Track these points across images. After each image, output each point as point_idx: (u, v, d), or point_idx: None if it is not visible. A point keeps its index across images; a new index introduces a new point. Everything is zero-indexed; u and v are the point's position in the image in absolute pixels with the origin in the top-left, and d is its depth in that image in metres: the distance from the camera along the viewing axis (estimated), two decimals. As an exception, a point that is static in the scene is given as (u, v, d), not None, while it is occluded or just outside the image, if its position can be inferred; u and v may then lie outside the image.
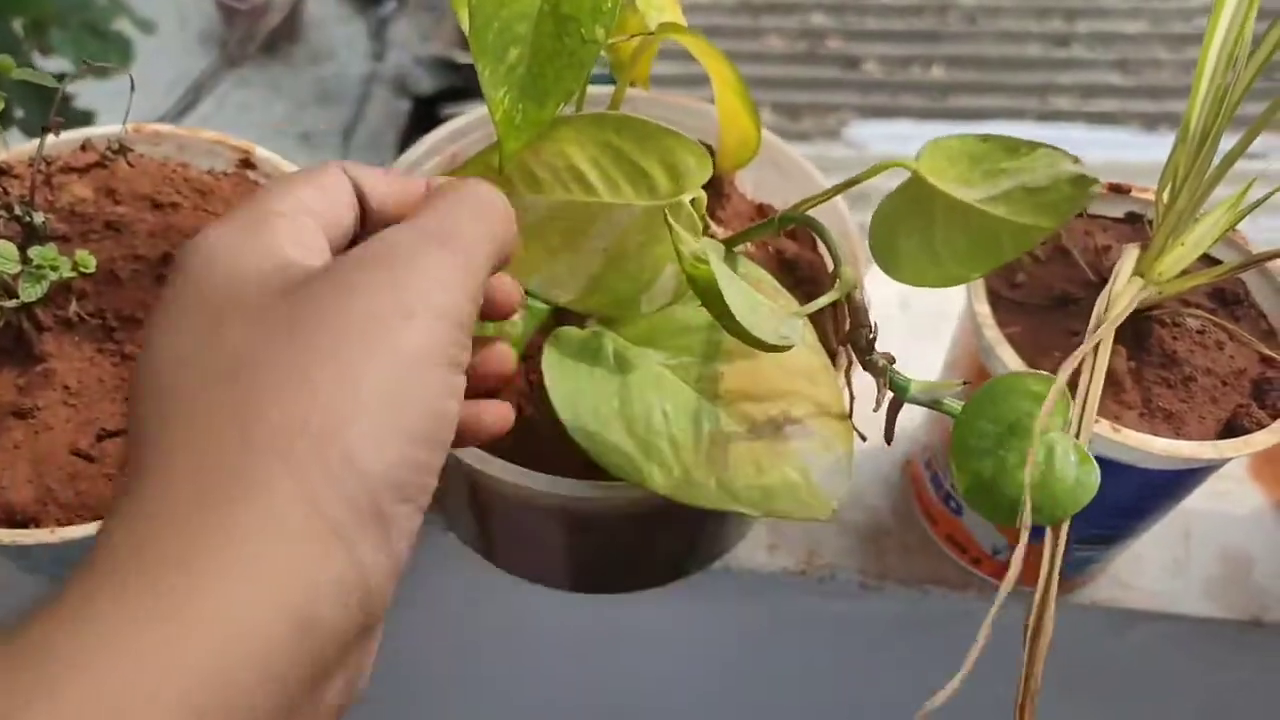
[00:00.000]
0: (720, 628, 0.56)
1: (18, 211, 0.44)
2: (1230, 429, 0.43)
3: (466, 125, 0.51)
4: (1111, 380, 0.43)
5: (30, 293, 0.41)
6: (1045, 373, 0.32)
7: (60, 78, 0.47)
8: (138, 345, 0.47)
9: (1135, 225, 0.48)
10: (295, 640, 0.24)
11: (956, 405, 0.35)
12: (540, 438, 0.44)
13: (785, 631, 0.55)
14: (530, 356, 0.45)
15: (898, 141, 2.73)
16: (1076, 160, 0.32)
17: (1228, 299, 0.46)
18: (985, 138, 0.33)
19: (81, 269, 0.43)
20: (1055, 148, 0.32)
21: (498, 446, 0.44)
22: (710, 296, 0.35)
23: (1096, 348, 0.34)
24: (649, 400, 0.40)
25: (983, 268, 0.35)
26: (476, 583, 0.54)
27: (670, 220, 0.35)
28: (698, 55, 0.47)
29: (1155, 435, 0.42)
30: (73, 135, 0.53)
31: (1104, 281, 0.45)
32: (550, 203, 0.38)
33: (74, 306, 0.47)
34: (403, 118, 4.15)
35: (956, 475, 0.33)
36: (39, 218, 0.44)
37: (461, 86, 4.32)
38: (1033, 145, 0.32)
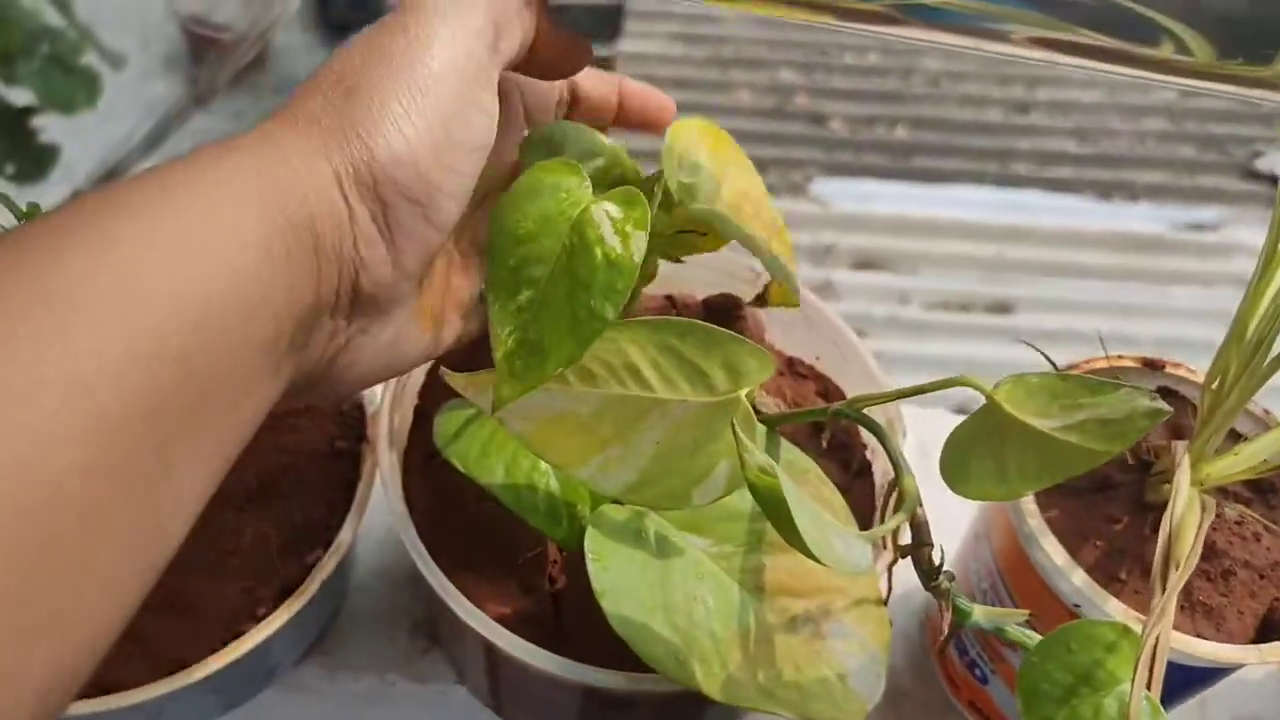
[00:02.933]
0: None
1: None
2: (1267, 623, 0.43)
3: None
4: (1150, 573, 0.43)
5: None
6: (1118, 621, 0.32)
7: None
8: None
9: (1168, 398, 0.48)
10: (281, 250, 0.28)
11: (1023, 634, 0.34)
12: (572, 607, 0.43)
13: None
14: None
15: (861, 199, 2.76)
16: (1154, 396, 0.32)
17: (1264, 488, 0.46)
18: (1066, 376, 0.33)
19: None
20: (1135, 387, 0.32)
21: (524, 617, 0.43)
22: (775, 508, 0.34)
23: (1167, 578, 0.33)
24: (691, 590, 0.39)
25: (1047, 484, 0.35)
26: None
27: (737, 431, 0.34)
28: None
29: (1196, 631, 0.41)
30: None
31: (1142, 464, 0.46)
32: (603, 395, 0.37)
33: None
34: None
35: (1025, 717, 0.33)
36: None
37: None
38: (1115, 385, 0.32)
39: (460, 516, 0.44)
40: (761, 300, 0.51)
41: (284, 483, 0.46)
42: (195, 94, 2.97)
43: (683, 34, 4.36)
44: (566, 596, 0.43)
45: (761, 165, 0.45)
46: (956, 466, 0.35)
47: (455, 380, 0.38)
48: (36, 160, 1.51)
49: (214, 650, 0.42)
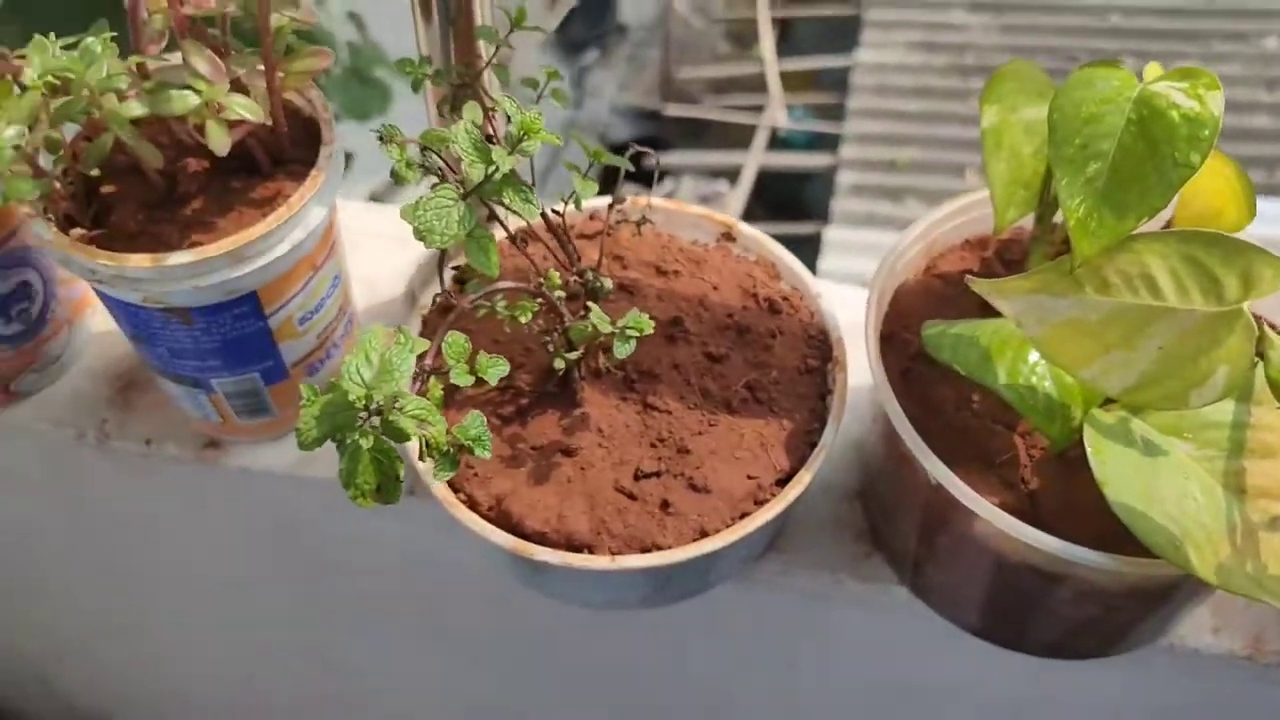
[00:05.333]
0: (1152, 705, 0.58)
1: (589, 278, 0.50)
2: None
3: (943, 216, 0.56)
4: None
5: (622, 351, 0.47)
6: None
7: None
8: (657, 396, 0.52)
9: None
10: None
11: None
12: (1048, 506, 0.48)
13: (1221, 716, 0.57)
14: (1027, 434, 0.49)
15: None
16: None
17: None
18: None
19: (644, 330, 0.49)
20: None
21: (1007, 510, 0.47)
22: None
23: None
24: (1180, 487, 0.44)
25: None
26: (895, 624, 0.58)
27: (1266, 332, 0.39)
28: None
29: None
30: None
31: None
32: (1114, 304, 0.42)
33: (602, 360, 0.53)
34: (599, 165, 4.28)
35: None
36: (607, 283, 0.50)
37: (657, 136, 4.41)
38: None
39: (938, 424, 0.50)
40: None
41: (769, 392, 0.53)
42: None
43: (922, 42, 4.32)
44: (1041, 496, 0.48)
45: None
46: None
47: (981, 286, 0.43)
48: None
49: (727, 525, 0.49)
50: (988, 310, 0.50)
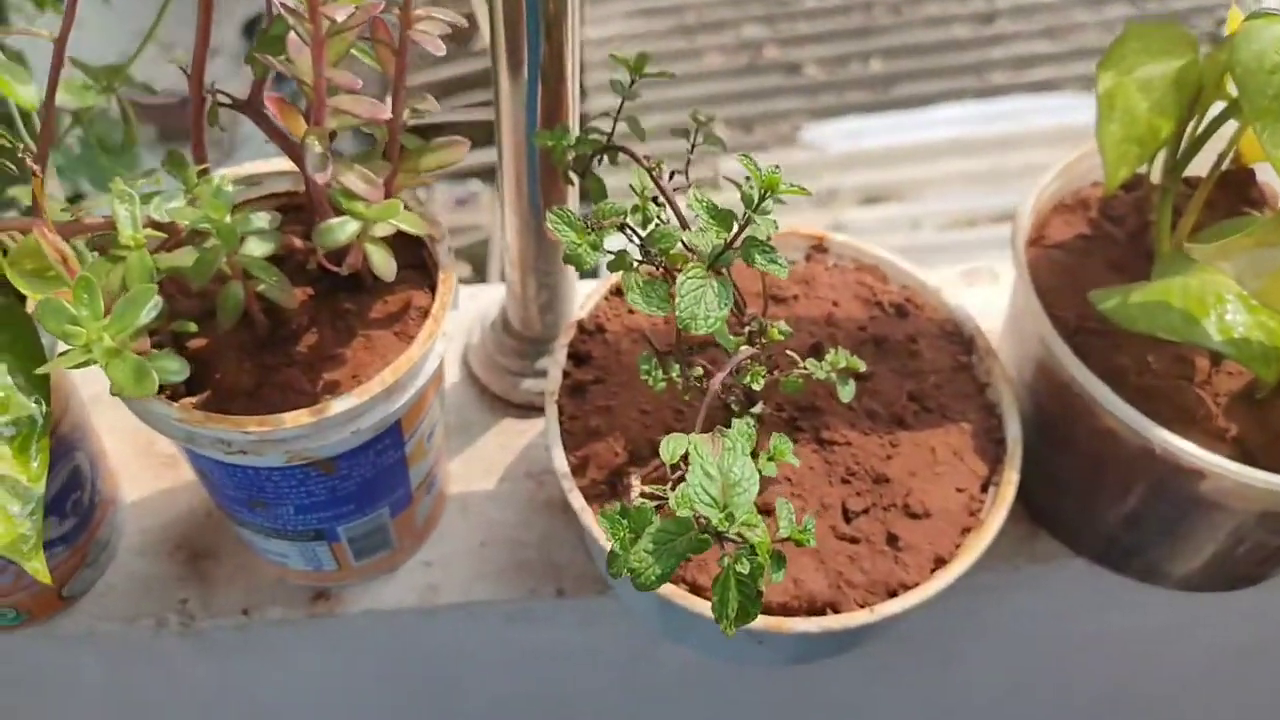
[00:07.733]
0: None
1: (757, 325, 0.47)
2: None
3: (1044, 185, 0.55)
4: None
5: (846, 394, 0.44)
6: None
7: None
8: (827, 430, 0.50)
9: None
10: None
11: None
12: (1251, 450, 0.48)
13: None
14: (1205, 384, 0.50)
15: (852, 138, 2.81)
16: None
17: None
18: None
19: (858, 369, 0.46)
20: None
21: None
22: None
23: None
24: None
25: None
26: (1059, 596, 0.58)
27: None
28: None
29: None
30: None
31: None
32: (1318, 241, 0.43)
33: (760, 406, 0.50)
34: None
35: None
36: (784, 326, 0.47)
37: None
38: None
39: (1125, 392, 0.49)
40: None
41: (935, 399, 0.51)
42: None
43: (641, 9, 4.37)
44: (1244, 440, 0.49)
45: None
46: None
47: (1203, 253, 0.44)
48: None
49: (957, 545, 0.47)
50: (1117, 274, 0.50)
